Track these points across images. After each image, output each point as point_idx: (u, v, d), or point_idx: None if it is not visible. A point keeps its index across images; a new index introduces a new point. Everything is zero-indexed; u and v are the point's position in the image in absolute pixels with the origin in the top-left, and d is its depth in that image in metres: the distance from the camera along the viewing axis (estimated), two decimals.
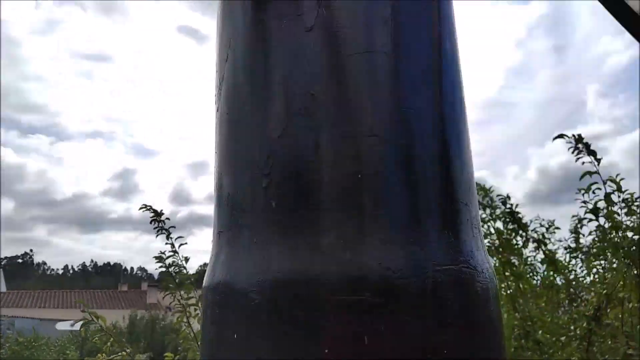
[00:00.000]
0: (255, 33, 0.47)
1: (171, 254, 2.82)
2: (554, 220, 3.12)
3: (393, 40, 0.45)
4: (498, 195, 2.83)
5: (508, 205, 2.83)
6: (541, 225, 3.07)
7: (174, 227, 2.87)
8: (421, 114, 0.45)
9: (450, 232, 0.44)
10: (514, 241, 2.84)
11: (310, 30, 0.45)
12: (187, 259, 2.88)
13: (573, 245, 3.01)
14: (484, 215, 2.80)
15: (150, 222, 2.86)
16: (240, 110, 0.47)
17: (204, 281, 0.49)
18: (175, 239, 2.84)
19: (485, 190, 2.81)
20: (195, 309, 2.83)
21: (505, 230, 2.80)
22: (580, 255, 2.99)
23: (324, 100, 0.43)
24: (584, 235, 2.89)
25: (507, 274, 2.67)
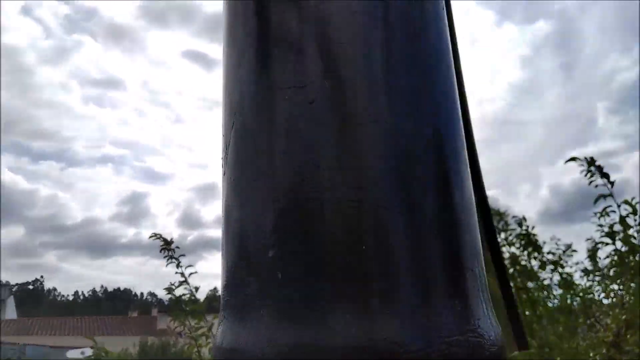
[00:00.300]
0: (260, 102, 0.48)
1: (180, 283, 2.81)
2: (571, 244, 3.08)
3: (397, 112, 0.46)
4: (513, 217, 2.80)
5: (524, 227, 2.80)
6: (557, 247, 3.04)
7: (183, 255, 2.87)
8: (426, 181, 0.46)
9: (457, 300, 0.44)
10: (529, 264, 2.80)
11: (312, 103, 0.45)
12: (197, 289, 2.88)
13: (590, 267, 2.96)
14: (498, 240, 2.76)
15: (160, 251, 2.86)
16: (246, 178, 0.48)
17: (216, 338, 0.48)
18: (186, 267, 2.84)
19: (500, 214, 2.77)
20: (207, 338, 2.81)
21: (520, 254, 2.76)
22: (596, 278, 2.94)
23: (328, 173, 0.44)
24: (600, 259, 2.83)
25: (523, 298, 2.63)
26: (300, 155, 0.45)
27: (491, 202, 2.83)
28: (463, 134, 0.52)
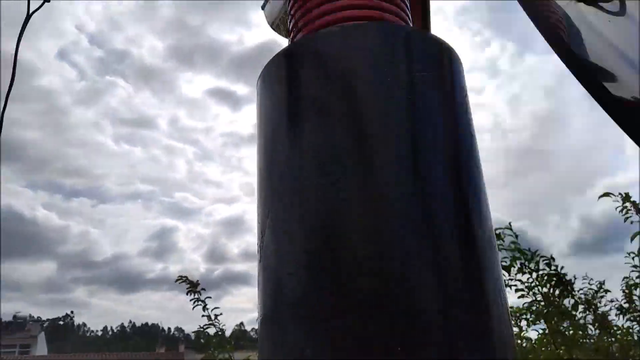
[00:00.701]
0: (292, 198, 0.50)
1: (208, 325, 2.81)
2: (604, 281, 2.98)
3: (423, 191, 0.48)
4: (542, 257, 2.72)
5: (553, 267, 2.72)
6: (590, 285, 2.94)
7: (210, 297, 2.88)
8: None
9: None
10: (563, 304, 2.71)
11: (346, 201, 0.47)
12: (223, 331, 2.87)
13: (626, 305, 2.85)
14: (530, 280, 2.68)
15: (187, 294, 2.87)
16: (281, 268, 0.49)
17: None
18: (212, 310, 2.84)
19: (532, 255, 2.70)
20: None
21: (551, 294, 2.68)
22: (635, 318, 2.82)
23: (361, 262, 0.45)
24: (638, 298, 2.73)
25: (557, 341, 2.54)
26: (335, 253, 0.46)
27: (520, 234, 2.76)
28: (483, 180, 0.54)
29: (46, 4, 1.04)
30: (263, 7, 0.78)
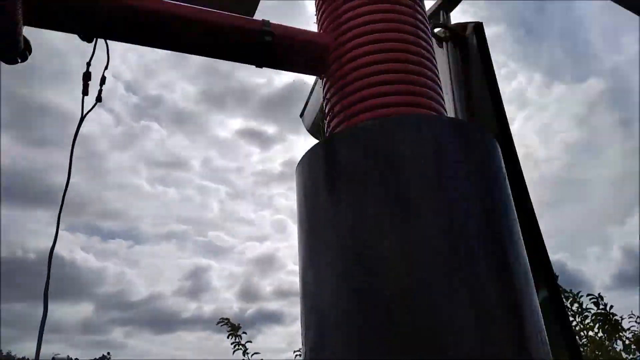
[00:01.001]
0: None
1: None
2: None
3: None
4: (588, 295, 2.64)
5: (601, 306, 2.63)
6: (638, 322, 2.83)
7: (250, 342, 2.88)
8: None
9: None
10: (613, 346, 2.60)
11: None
12: None
13: None
14: (574, 323, 2.60)
15: (228, 337, 2.88)
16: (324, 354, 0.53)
17: None
18: (252, 355, 2.83)
19: (573, 296, 2.62)
20: None
21: (599, 337, 2.58)
22: None
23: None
24: None
25: None
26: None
27: (559, 267, 2.69)
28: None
29: (85, 54, 1.10)
30: (301, 116, 0.84)
